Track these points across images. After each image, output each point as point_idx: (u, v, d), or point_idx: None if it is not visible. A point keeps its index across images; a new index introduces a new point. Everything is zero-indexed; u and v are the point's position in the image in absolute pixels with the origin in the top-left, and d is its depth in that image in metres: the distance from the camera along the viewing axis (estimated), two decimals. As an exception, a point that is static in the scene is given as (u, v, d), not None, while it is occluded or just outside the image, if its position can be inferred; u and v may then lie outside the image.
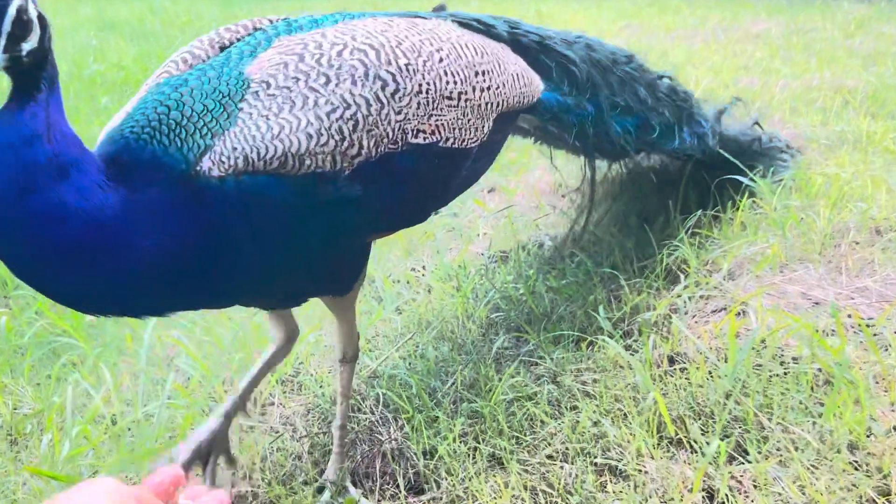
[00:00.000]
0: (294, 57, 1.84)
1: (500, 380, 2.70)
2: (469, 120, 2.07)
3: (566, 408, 2.55)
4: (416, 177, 1.93)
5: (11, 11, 1.56)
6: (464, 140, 2.06)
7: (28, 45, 1.58)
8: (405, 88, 1.89)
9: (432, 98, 1.95)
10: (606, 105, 2.78)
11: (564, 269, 3.34)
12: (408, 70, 1.91)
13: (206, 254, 1.73)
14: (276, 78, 1.80)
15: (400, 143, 1.87)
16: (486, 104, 2.14)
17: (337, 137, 1.77)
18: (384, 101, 1.84)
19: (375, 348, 3.05)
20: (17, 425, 2.75)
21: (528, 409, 2.54)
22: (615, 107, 2.82)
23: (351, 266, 2.09)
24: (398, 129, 1.86)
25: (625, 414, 2.48)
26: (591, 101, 2.74)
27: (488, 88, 2.15)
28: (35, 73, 1.61)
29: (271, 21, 2.12)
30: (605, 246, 3.48)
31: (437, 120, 1.96)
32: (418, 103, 1.91)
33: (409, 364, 2.88)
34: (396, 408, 2.66)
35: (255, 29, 2.06)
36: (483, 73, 2.15)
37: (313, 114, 1.76)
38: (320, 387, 2.83)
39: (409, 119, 1.88)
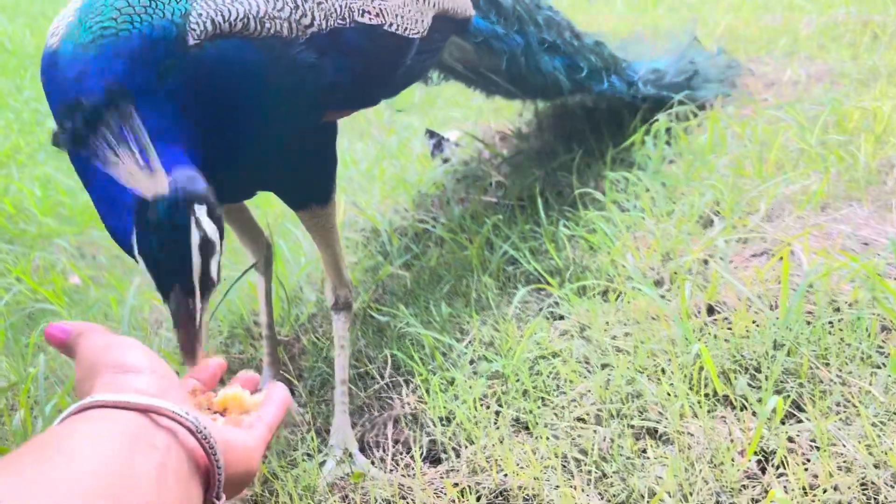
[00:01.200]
0: None
1: (521, 336, 2.44)
2: (410, 11, 2.18)
3: (596, 365, 2.29)
4: (363, 55, 2.01)
5: (197, 262, 1.44)
6: (406, 29, 2.16)
7: (215, 266, 1.49)
8: None
9: None
10: (534, 40, 2.92)
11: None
12: None
13: (216, 134, 1.71)
14: None
15: (348, 20, 1.96)
16: (425, 0, 2.27)
17: (291, 5, 1.83)
18: None
19: (384, 306, 2.79)
20: (-8, 399, 2.52)
21: (554, 368, 2.28)
22: (542, 42, 2.96)
23: (319, 151, 2.11)
24: (345, 6, 1.95)
25: (662, 370, 2.22)
26: (520, 34, 2.87)
27: None
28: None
29: None
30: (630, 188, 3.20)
31: (381, 4, 2.06)
32: None
33: (421, 321, 2.62)
34: (409, 370, 2.41)
35: None
36: None
37: None
38: (321, 350, 2.58)
39: None
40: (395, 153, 3.99)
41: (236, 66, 1.74)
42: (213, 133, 1.72)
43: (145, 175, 1.40)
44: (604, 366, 2.29)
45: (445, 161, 3.82)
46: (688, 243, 2.77)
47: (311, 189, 2.16)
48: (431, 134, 3.96)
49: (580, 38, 3.21)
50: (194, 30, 1.70)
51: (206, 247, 1.44)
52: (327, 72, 1.91)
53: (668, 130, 3.52)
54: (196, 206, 1.44)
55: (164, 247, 1.41)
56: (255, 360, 2.67)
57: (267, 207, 3.54)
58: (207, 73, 1.71)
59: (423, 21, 2.26)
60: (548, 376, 2.26)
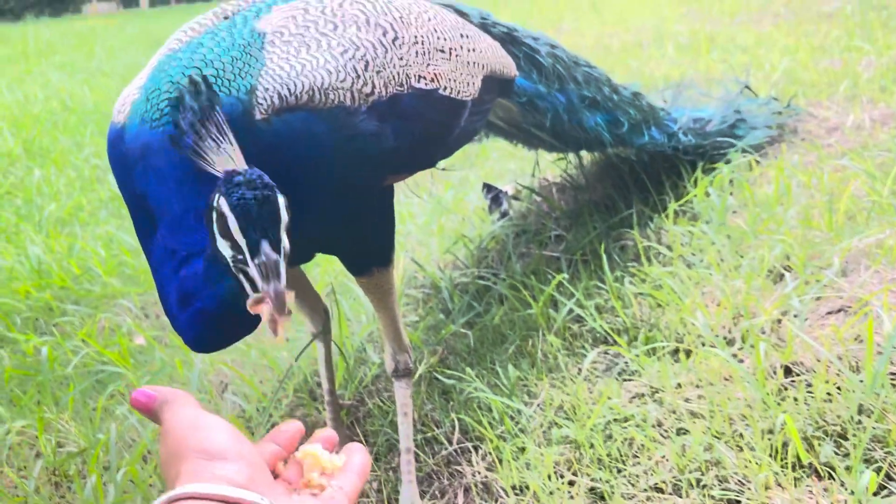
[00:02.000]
0: (299, 11, 1.99)
1: (593, 400, 2.39)
2: (461, 74, 2.23)
3: (672, 430, 2.23)
4: (421, 119, 2.07)
5: (285, 216, 1.51)
6: (459, 91, 2.21)
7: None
8: (403, 37, 2.05)
9: (428, 49, 2.12)
10: (576, 97, 2.98)
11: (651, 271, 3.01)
12: (403, 22, 2.08)
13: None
14: (287, 28, 1.93)
15: (405, 86, 2.02)
16: (474, 63, 2.32)
17: (353, 75, 1.89)
18: (387, 46, 1.99)
19: (448, 367, 2.76)
20: (61, 466, 2.52)
21: (628, 434, 2.22)
22: (583, 99, 3.01)
23: (379, 214, 2.14)
24: (402, 73, 2.01)
25: (741, 435, 2.15)
26: (561, 92, 2.94)
27: (473, 50, 2.33)
28: None
29: None
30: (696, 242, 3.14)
31: (435, 69, 2.12)
32: (416, 52, 2.07)
33: (488, 383, 2.58)
34: (478, 435, 2.36)
35: (254, 2, 2.13)
36: (467, 37, 2.34)
37: (329, 54, 1.89)
38: (387, 414, 2.55)
39: (410, 65, 2.04)
40: (451, 207, 3.98)
41: (303, 138, 1.80)
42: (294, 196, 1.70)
43: (230, 156, 1.55)
44: (679, 431, 2.22)
45: (504, 215, 3.80)
46: (759, 300, 2.70)
47: (371, 252, 2.18)
48: (489, 188, 3.94)
49: (618, 91, 3.24)
50: (261, 104, 1.76)
51: (287, 210, 1.52)
52: (388, 137, 1.95)
53: (730, 181, 3.47)
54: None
55: (257, 199, 1.47)
56: (319, 423, 2.64)
57: (326, 265, 3.54)
58: (274, 146, 1.76)
59: (474, 83, 2.31)
60: (622, 443, 2.20)
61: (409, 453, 2.19)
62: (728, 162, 3.57)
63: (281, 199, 1.50)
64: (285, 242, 1.50)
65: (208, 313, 1.65)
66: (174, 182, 1.72)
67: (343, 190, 1.92)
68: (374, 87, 1.93)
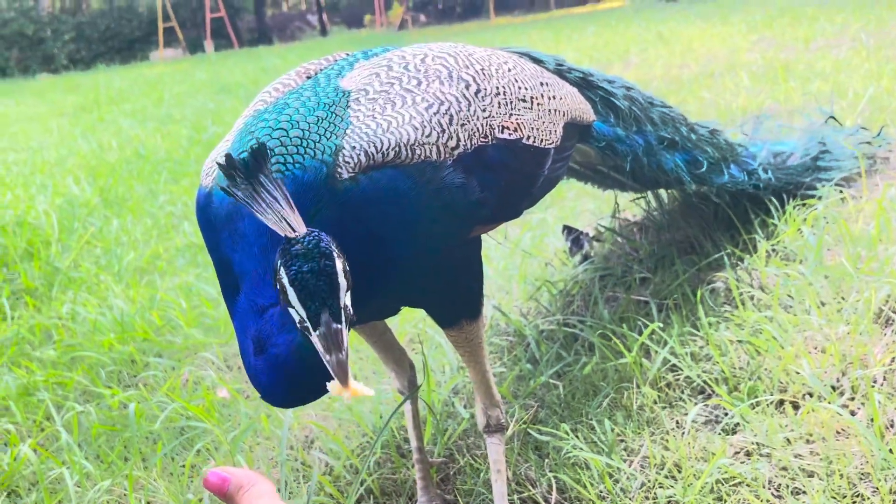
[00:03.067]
0: (383, 69, 2.02)
1: (695, 456, 2.27)
2: (544, 122, 2.23)
3: (787, 491, 2.10)
4: (507, 169, 2.06)
5: (343, 282, 1.52)
6: (542, 140, 2.21)
7: (347, 299, 1.54)
8: (485, 89, 2.06)
9: (510, 99, 2.12)
10: (654, 138, 2.94)
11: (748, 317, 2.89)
12: (484, 74, 2.09)
13: (363, 257, 1.72)
14: (371, 86, 1.96)
15: (489, 137, 2.02)
16: (555, 111, 2.31)
17: (438, 130, 1.90)
18: (470, 99, 2.00)
19: (538, 421, 2.67)
20: (153, 528, 2.49)
21: (740, 495, 2.10)
22: (661, 140, 2.97)
23: (467, 266, 2.13)
24: (486, 125, 2.02)
25: (861, 495, 2.02)
26: (639, 134, 2.90)
27: (553, 97, 2.33)
28: None
29: (348, 54, 2.23)
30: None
31: (518, 119, 2.12)
32: (499, 103, 2.07)
33: (584, 438, 2.48)
34: (576, 495, 2.27)
35: (335, 60, 2.19)
36: (546, 85, 2.34)
37: (414, 110, 1.90)
38: (479, 472, 2.47)
39: (493, 116, 2.04)
40: (531, 250, 3.90)
41: (389, 195, 1.80)
42: (364, 259, 1.73)
43: (292, 221, 1.52)
44: (795, 492, 2.09)
45: (585, 258, 3.71)
46: (867, 346, 2.56)
47: (460, 304, 2.16)
48: (569, 230, 3.85)
49: (695, 130, 3.19)
50: (348, 163, 1.78)
51: (346, 276, 1.52)
52: (474, 189, 1.95)
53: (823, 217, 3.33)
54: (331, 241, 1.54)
55: (314, 272, 1.48)
56: (407, 480, 2.58)
57: (407, 314, 3.48)
58: (361, 204, 1.77)
59: (556, 131, 2.30)
60: (733, 505, 2.08)
61: None
62: (820, 197, 3.44)
63: (339, 266, 1.50)
64: (348, 307, 1.51)
65: (282, 359, 1.65)
66: (259, 248, 1.74)
67: (430, 244, 1.92)
68: (459, 140, 1.93)
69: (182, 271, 4.77)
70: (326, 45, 23.37)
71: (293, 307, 1.50)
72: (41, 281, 4.81)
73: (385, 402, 2.89)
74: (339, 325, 1.48)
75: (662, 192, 3.68)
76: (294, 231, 1.52)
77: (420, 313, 3.48)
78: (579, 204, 4.51)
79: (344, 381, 1.45)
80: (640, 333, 2.90)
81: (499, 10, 31.64)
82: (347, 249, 1.64)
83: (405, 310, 3.36)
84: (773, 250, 3.34)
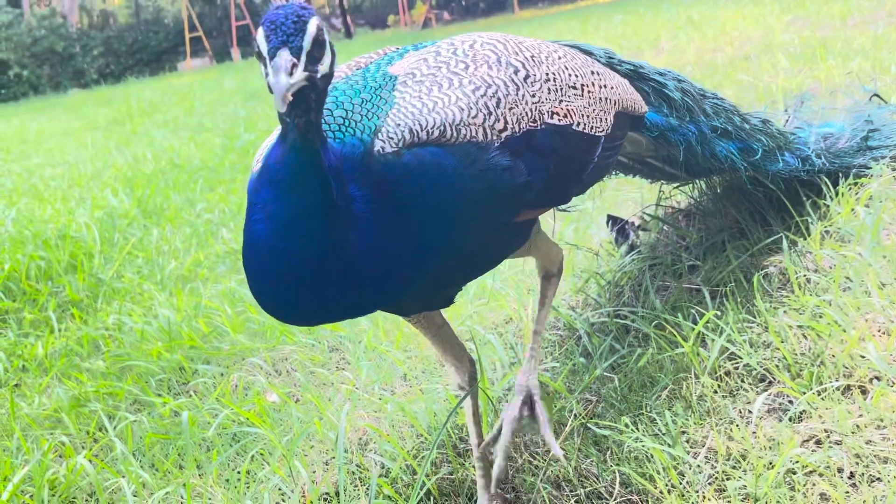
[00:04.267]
0: (431, 54, 2.05)
1: (761, 446, 2.21)
2: (594, 110, 2.23)
3: (863, 479, 2.03)
4: (556, 154, 2.07)
5: (312, 30, 1.64)
6: (592, 128, 2.21)
7: (322, 68, 1.67)
8: (535, 75, 2.06)
9: (560, 86, 2.12)
10: (707, 128, 2.93)
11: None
12: (534, 60, 2.09)
13: (399, 237, 1.80)
14: (419, 69, 1.99)
15: (538, 122, 2.03)
16: (606, 99, 2.31)
17: (484, 112, 1.92)
18: (518, 84, 2.01)
19: (596, 415, 2.62)
20: (212, 536, 2.48)
21: (814, 486, 2.03)
22: (714, 129, 2.96)
23: (513, 242, 2.19)
24: (535, 110, 2.02)
25: (941, 482, 1.95)
26: (692, 123, 2.90)
27: (605, 86, 2.33)
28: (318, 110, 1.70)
29: (398, 48, 2.26)
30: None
31: (568, 105, 2.12)
32: (549, 89, 2.08)
33: (644, 431, 2.43)
34: (641, 488, 2.21)
35: (385, 53, 2.22)
36: (597, 74, 2.34)
37: (461, 91, 1.92)
38: (538, 469, 2.43)
39: (543, 102, 2.05)
40: (576, 242, 3.84)
41: (432, 171, 1.84)
42: (406, 237, 1.82)
43: None
44: (871, 479, 2.03)
45: (632, 248, 3.64)
46: (935, 326, 2.48)
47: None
48: (613, 220, 3.79)
49: (748, 120, 3.17)
50: (392, 139, 1.83)
51: (320, 41, 1.65)
52: (521, 172, 1.97)
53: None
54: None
55: (286, 13, 1.63)
56: (466, 480, 2.54)
57: (454, 310, 3.44)
58: (403, 179, 1.82)
59: (606, 119, 2.31)
60: (808, 494, 2.02)
61: (538, 335, 2.40)
62: (873, 176, 3.34)
63: (316, 23, 1.63)
64: (323, 67, 1.66)
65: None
66: None
67: (477, 224, 1.95)
68: (506, 123, 1.95)
69: (224, 278, 4.78)
70: (351, 47, 23.40)
71: (261, 59, 1.64)
72: (86, 293, 4.85)
73: (437, 400, 2.85)
74: (293, 59, 1.59)
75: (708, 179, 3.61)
76: None
77: (467, 310, 3.44)
78: (622, 193, 4.43)
79: (279, 105, 1.57)
80: (695, 322, 2.84)
81: (523, 3, 31.52)
82: (381, 221, 1.77)
83: (453, 307, 3.33)
84: (827, 232, 3.25)
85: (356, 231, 1.76)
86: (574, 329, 3.12)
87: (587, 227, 4.10)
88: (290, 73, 1.56)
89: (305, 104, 1.65)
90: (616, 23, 13.38)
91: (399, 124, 1.85)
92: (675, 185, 3.70)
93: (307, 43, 1.62)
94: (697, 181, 3.62)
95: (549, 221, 4.24)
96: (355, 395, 3.05)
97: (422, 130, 1.85)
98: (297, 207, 1.70)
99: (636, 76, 2.82)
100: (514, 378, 2.42)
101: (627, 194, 4.43)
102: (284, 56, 1.58)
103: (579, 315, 3.21)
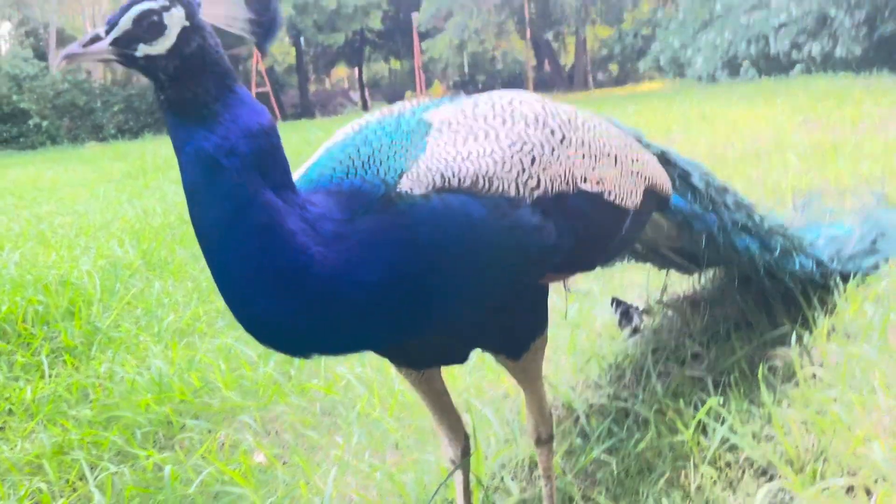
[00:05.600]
0: (469, 106, 2.03)
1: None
2: (626, 182, 2.21)
3: (865, 583, 1.95)
4: (585, 219, 2.05)
5: (135, 11, 1.65)
6: (623, 199, 2.19)
7: (147, 49, 1.66)
8: (570, 139, 2.04)
9: (594, 154, 2.10)
10: (728, 220, 2.95)
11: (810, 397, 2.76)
12: (570, 125, 2.08)
13: (406, 275, 1.76)
14: (456, 119, 1.98)
15: (571, 186, 2.00)
16: (637, 173, 2.29)
17: (518, 167, 1.89)
18: (554, 145, 1.99)
19: (591, 499, 2.54)
20: None
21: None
22: (735, 223, 2.99)
23: (530, 308, 2.14)
24: (568, 173, 2.00)
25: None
26: (714, 214, 2.91)
27: (636, 160, 2.31)
28: (186, 84, 1.67)
29: (432, 99, 2.24)
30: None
31: (601, 173, 2.10)
32: (583, 155, 2.06)
33: (639, 520, 2.35)
34: (633, 579, 2.13)
35: (421, 102, 2.21)
36: (630, 147, 2.33)
37: (496, 144, 1.90)
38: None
39: (577, 166, 2.03)
40: (578, 322, 3.80)
41: (460, 219, 1.80)
42: (416, 276, 1.77)
43: None
44: (873, 585, 1.94)
45: (635, 331, 3.60)
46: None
47: (522, 343, 2.18)
48: (618, 302, 3.76)
49: (766, 220, 3.20)
50: (421, 181, 1.80)
51: (149, 20, 1.66)
52: (550, 233, 1.94)
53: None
54: (179, 6, 1.68)
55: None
56: (452, 556, 2.45)
57: (451, 381, 3.38)
58: (428, 222, 1.78)
59: (636, 193, 2.28)
60: None
61: None
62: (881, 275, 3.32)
63: (144, 6, 1.65)
64: (150, 48, 1.66)
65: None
66: None
67: (499, 280, 1.91)
68: (539, 182, 1.92)
69: (222, 333, 4.72)
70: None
71: None
72: (81, 340, 4.78)
73: (429, 472, 2.77)
74: (99, 32, 1.66)
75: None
76: None
77: (465, 383, 3.38)
78: (627, 277, 4.41)
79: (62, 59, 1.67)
80: (696, 409, 2.79)
81: (537, 88, 32.07)
82: (393, 259, 1.73)
83: (450, 377, 3.27)
84: (834, 328, 3.22)
85: (350, 257, 1.71)
86: (572, 409, 3.06)
87: (591, 308, 4.06)
88: (87, 45, 1.66)
89: (155, 79, 1.69)
90: (629, 112, 13.56)
91: (430, 168, 1.83)
92: (682, 273, 3.69)
93: (125, 22, 1.65)
94: (705, 271, 3.61)
95: (554, 297, 4.22)
96: (344, 460, 2.97)
97: (453, 177, 1.83)
98: (206, 205, 1.72)
99: (663, 160, 2.81)
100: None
101: (633, 278, 4.40)
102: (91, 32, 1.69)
103: (578, 395, 3.15)
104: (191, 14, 1.69)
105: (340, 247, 1.71)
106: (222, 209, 1.68)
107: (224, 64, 1.72)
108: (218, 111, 1.67)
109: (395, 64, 53.71)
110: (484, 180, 1.84)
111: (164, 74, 1.68)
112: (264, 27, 1.76)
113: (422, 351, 2.11)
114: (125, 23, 1.65)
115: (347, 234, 1.73)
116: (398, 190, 1.79)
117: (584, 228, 2.04)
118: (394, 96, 42.54)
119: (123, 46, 1.66)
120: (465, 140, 1.91)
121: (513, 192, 1.87)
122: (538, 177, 1.92)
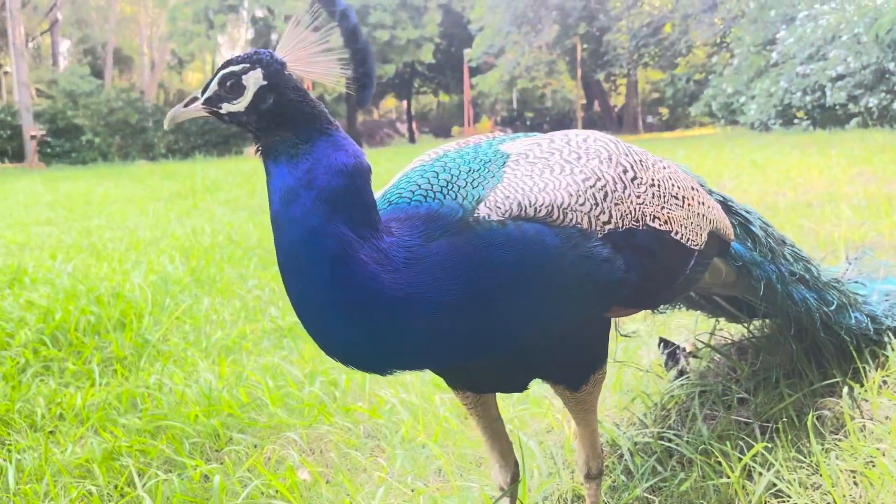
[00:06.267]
0: (545, 140, 2.11)
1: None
2: (692, 223, 2.26)
3: None
4: (653, 257, 2.09)
5: (220, 74, 1.88)
6: (689, 239, 2.23)
7: (229, 107, 1.89)
8: (641, 178, 2.11)
9: (663, 193, 2.16)
10: (785, 271, 2.95)
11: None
12: (641, 164, 2.14)
13: (478, 296, 1.83)
14: (532, 152, 2.06)
15: (641, 223, 2.06)
16: (702, 216, 2.34)
17: (591, 201, 1.96)
18: (626, 182, 2.06)
19: (633, 535, 2.55)
20: None
21: None
22: (793, 274, 3.00)
23: (593, 340, 2.19)
24: (638, 210, 2.06)
25: None
26: (773, 264, 2.92)
27: (702, 203, 2.36)
28: (270, 135, 1.86)
29: (505, 132, 2.34)
30: None
31: (669, 213, 2.16)
32: (653, 194, 2.12)
33: (682, 559, 2.35)
34: None
35: (495, 136, 2.27)
36: (696, 190, 2.38)
37: (571, 178, 1.97)
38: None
39: (646, 204, 2.09)
40: (625, 360, 3.81)
41: (535, 246, 1.87)
42: (494, 306, 1.84)
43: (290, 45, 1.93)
44: None
45: (681, 373, 3.60)
46: None
47: (582, 374, 2.22)
48: (665, 343, 3.77)
49: (822, 273, 3.21)
50: (499, 208, 1.89)
51: (231, 82, 1.88)
52: (619, 267, 1.99)
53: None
54: (259, 68, 1.87)
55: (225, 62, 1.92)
56: (492, 584, 2.46)
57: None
58: (503, 247, 1.85)
59: (701, 235, 2.32)
60: None
61: None
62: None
63: (234, 69, 1.87)
64: (217, 96, 1.90)
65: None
66: None
67: (565, 310, 1.97)
68: (611, 216, 1.99)
69: (267, 352, 4.80)
70: (415, 151, 23.91)
71: None
72: (131, 351, 4.89)
73: (472, 499, 2.80)
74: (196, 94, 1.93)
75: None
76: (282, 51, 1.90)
77: (509, 414, 3.40)
78: (675, 319, 4.41)
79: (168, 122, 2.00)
80: (742, 454, 2.78)
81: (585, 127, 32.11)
82: (467, 280, 1.81)
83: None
84: (885, 381, 3.19)
85: (424, 280, 1.80)
86: (617, 445, 3.07)
87: (637, 348, 4.06)
88: (186, 105, 1.95)
89: (245, 130, 1.91)
90: (679, 156, 13.53)
91: (508, 197, 1.90)
92: (731, 321, 3.69)
93: (212, 83, 1.90)
94: (755, 320, 3.61)
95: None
96: (388, 482, 3.01)
97: (529, 206, 1.89)
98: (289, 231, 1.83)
99: (724, 207, 2.84)
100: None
101: (680, 321, 4.40)
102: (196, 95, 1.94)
103: (623, 432, 3.16)
104: (270, 73, 1.86)
105: (413, 270, 1.80)
106: (295, 236, 1.80)
107: (310, 112, 1.86)
108: (305, 152, 1.83)
109: (444, 97, 54.17)
110: (559, 211, 1.91)
111: (250, 127, 1.89)
112: (361, 81, 1.91)
113: (484, 375, 2.15)
114: (213, 85, 1.89)
115: (422, 257, 1.82)
116: (475, 215, 1.87)
117: (651, 264, 2.09)
118: (441, 129, 42.91)
119: (212, 105, 1.90)
120: (541, 172, 1.98)
121: (585, 225, 1.93)
122: (609, 211, 1.99)
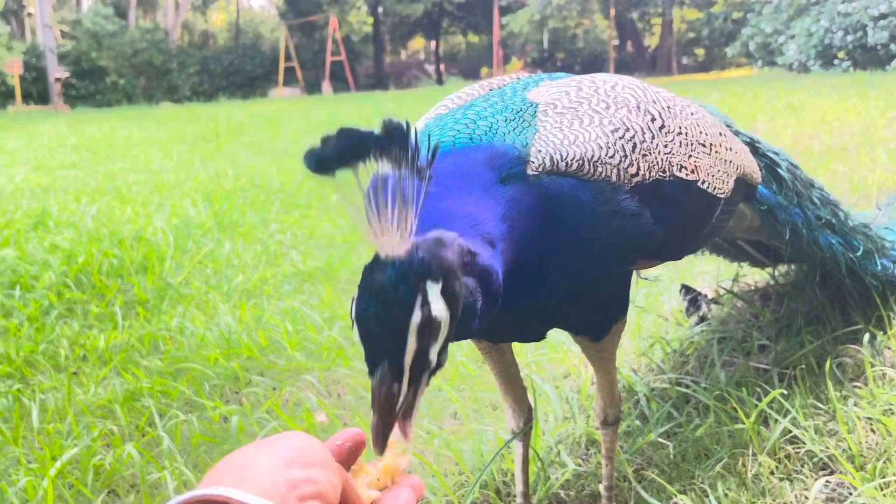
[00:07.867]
0: (572, 88, 2.03)
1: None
2: (719, 170, 2.19)
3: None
4: (679, 208, 2.04)
5: (415, 320, 1.30)
6: (715, 187, 2.17)
7: (437, 348, 1.37)
8: (669, 126, 2.03)
9: (690, 141, 2.09)
10: (812, 215, 2.91)
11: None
12: (669, 111, 2.07)
13: (523, 257, 1.75)
14: (560, 101, 1.98)
15: (668, 173, 1.99)
16: (729, 162, 2.27)
17: (620, 153, 1.89)
18: (654, 132, 1.98)
19: (643, 479, 2.55)
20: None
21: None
22: (819, 219, 2.94)
23: (615, 292, 2.13)
24: (665, 160, 1.99)
25: None
26: (798, 208, 2.88)
27: (730, 149, 2.29)
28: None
29: (530, 74, 2.25)
30: None
31: (696, 161, 2.09)
32: (680, 142, 2.05)
33: (695, 501, 2.35)
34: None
35: (519, 78, 2.21)
36: (724, 135, 2.30)
37: (601, 130, 1.90)
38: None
39: (673, 153, 2.02)
40: (645, 306, 3.79)
41: (569, 201, 1.82)
42: (526, 262, 1.77)
43: (389, 232, 1.28)
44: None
45: (702, 319, 3.57)
46: None
47: (602, 326, 2.17)
48: (687, 290, 3.73)
49: (850, 218, 3.13)
50: (534, 162, 1.81)
51: (428, 328, 1.31)
52: (647, 220, 1.94)
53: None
54: (429, 282, 1.32)
55: (378, 319, 1.28)
56: (505, 526, 2.49)
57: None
58: (538, 203, 1.79)
59: (728, 182, 2.26)
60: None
61: (609, 490, 2.38)
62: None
63: (418, 318, 1.30)
64: (429, 361, 1.34)
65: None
66: None
67: (594, 263, 1.93)
68: (639, 168, 1.93)
69: (288, 296, 4.82)
70: (443, 92, 23.70)
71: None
72: (153, 294, 4.93)
73: (486, 442, 2.81)
74: (397, 385, 1.29)
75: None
76: (391, 240, 1.29)
77: (526, 359, 3.40)
78: (697, 265, 4.37)
79: (378, 447, 1.24)
80: (759, 400, 2.77)
81: (620, 70, 31.58)
82: (519, 240, 1.72)
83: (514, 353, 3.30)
84: (907, 329, 3.15)
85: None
86: (633, 391, 3.06)
87: (659, 294, 4.04)
88: (397, 407, 1.29)
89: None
90: (713, 100, 13.30)
91: (540, 150, 1.84)
92: (755, 266, 3.65)
93: (410, 354, 1.31)
94: (780, 265, 3.56)
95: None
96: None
97: (562, 161, 1.83)
98: None
99: (751, 149, 2.75)
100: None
101: (703, 267, 4.36)
102: (382, 385, 1.28)
103: (640, 378, 3.15)
104: (447, 285, 1.38)
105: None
106: None
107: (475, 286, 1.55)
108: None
109: (473, 38, 53.35)
110: (590, 165, 1.85)
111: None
112: None
113: (504, 325, 2.11)
114: (434, 353, 1.37)
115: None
116: (530, 160, 1.82)
117: (677, 216, 2.03)
118: (470, 71, 42.42)
119: (419, 378, 1.37)
120: (570, 123, 1.91)
121: (614, 178, 1.87)
122: (638, 163, 1.92)
